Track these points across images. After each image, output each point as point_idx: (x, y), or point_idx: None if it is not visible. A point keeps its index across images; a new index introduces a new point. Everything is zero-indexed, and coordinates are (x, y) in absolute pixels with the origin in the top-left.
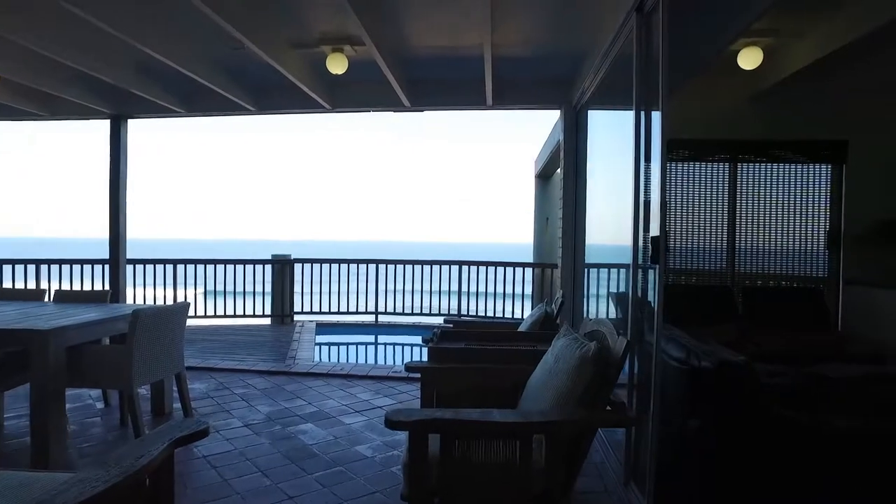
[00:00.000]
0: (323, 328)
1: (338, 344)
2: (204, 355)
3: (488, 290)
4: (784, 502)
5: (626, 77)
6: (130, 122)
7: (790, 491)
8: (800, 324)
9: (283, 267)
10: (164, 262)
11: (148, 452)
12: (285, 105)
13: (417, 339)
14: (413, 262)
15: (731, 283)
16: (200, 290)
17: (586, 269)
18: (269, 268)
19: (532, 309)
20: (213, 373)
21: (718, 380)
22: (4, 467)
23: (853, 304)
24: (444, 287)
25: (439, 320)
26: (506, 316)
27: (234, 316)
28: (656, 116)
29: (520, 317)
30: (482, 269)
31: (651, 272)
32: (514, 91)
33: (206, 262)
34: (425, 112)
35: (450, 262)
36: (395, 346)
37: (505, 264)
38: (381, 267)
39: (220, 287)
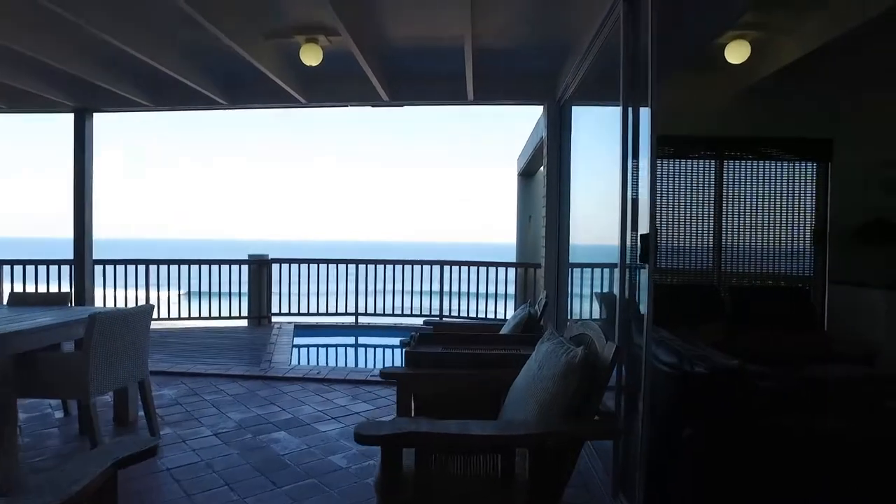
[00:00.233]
0: (301, 330)
1: (317, 346)
2: (176, 359)
3: (471, 291)
4: None
5: (612, 70)
6: (96, 116)
7: (785, 501)
8: (786, 324)
9: (260, 267)
10: (136, 262)
11: (85, 476)
12: (258, 99)
13: (398, 341)
14: (394, 262)
15: (718, 283)
16: (178, 291)
17: (571, 269)
18: (245, 268)
19: (515, 310)
20: (184, 378)
21: (712, 386)
22: None
23: (839, 303)
24: (426, 287)
25: (421, 321)
26: (489, 316)
27: (210, 318)
28: (644, 112)
29: (503, 317)
30: (465, 269)
31: (640, 272)
32: (496, 86)
33: (179, 262)
34: (405, 108)
35: (431, 262)
36: (376, 348)
37: (487, 264)
38: (362, 267)
39: (194, 288)
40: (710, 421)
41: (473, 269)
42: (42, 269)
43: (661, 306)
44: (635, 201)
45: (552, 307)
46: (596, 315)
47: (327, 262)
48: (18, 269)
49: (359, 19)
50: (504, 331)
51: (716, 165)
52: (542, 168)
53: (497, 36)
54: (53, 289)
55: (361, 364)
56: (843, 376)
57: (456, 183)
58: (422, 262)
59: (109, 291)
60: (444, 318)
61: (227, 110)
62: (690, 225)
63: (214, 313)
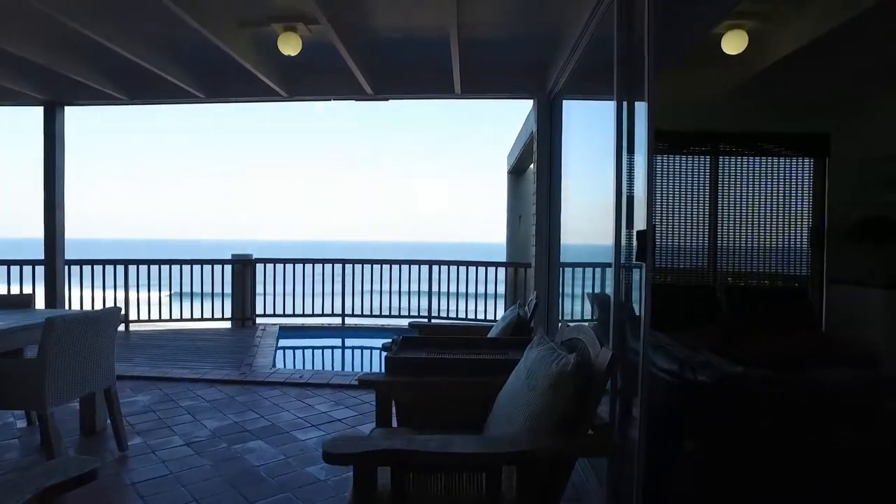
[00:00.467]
0: (286, 331)
1: (302, 348)
2: (154, 363)
3: (460, 291)
4: None
5: (605, 62)
6: (67, 109)
7: None
8: (784, 325)
9: (243, 267)
10: (115, 262)
11: None
12: (238, 92)
13: (381, 344)
14: (382, 262)
15: (713, 282)
16: (159, 292)
17: (562, 269)
18: (228, 268)
19: (505, 310)
20: (160, 383)
21: (715, 396)
22: None
23: (837, 303)
24: (415, 287)
25: (412, 320)
26: (478, 317)
27: (192, 319)
28: (640, 106)
29: (493, 318)
30: (454, 268)
31: (636, 271)
32: (484, 79)
33: (160, 262)
34: (391, 102)
35: (419, 262)
36: (363, 350)
37: (477, 264)
38: (349, 267)
39: (175, 289)
40: (713, 433)
41: (462, 268)
42: (14, 269)
43: (658, 308)
44: (630, 198)
45: (542, 308)
46: (589, 317)
47: (313, 261)
48: None
49: (338, 7)
50: (492, 333)
51: (711, 161)
52: (532, 165)
53: (483, 25)
54: (27, 290)
55: (348, 367)
56: (850, 380)
57: (445, 181)
58: (409, 262)
59: (87, 293)
60: (433, 319)
61: (206, 104)
62: (685, 222)
63: (197, 315)
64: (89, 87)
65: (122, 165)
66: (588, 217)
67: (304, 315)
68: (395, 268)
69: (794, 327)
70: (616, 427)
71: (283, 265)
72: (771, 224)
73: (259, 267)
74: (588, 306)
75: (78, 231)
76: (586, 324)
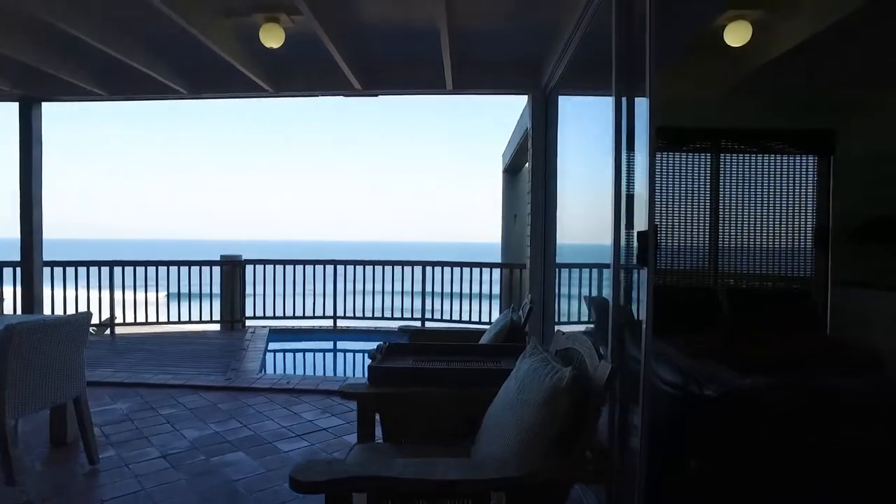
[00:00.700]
0: (276, 334)
1: (293, 351)
2: (136, 368)
3: (454, 291)
4: None
5: (602, 55)
6: (45, 105)
7: None
8: (788, 328)
9: (233, 268)
10: (99, 264)
11: None
12: (222, 88)
13: (367, 352)
14: (374, 263)
15: (714, 284)
16: (145, 294)
17: (558, 270)
18: (217, 269)
19: (500, 312)
20: (141, 389)
21: (724, 411)
22: None
23: (842, 306)
24: (408, 288)
25: (402, 324)
26: (473, 319)
27: (180, 322)
28: (641, 102)
29: (488, 319)
30: (448, 269)
31: (635, 274)
32: (476, 74)
33: (146, 263)
34: (383, 99)
35: (413, 263)
36: (355, 354)
37: (471, 265)
38: (341, 268)
39: (162, 291)
40: (721, 452)
41: (457, 269)
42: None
43: (656, 311)
44: (630, 197)
45: (537, 312)
46: (585, 321)
47: (304, 262)
48: None
49: None
50: (484, 339)
51: (711, 158)
52: (527, 164)
53: (474, 17)
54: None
55: (339, 371)
56: (861, 387)
57: (439, 180)
58: (403, 263)
59: (70, 296)
60: (427, 321)
61: (192, 100)
62: (685, 222)
63: (185, 318)
64: (67, 82)
65: (106, 163)
66: (585, 216)
67: (294, 317)
68: (388, 269)
69: (799, 331)
70: (616, 447)
71: (273, 266)
72: (774, 224)
73: (249, 268)
74: (585, 311)
75: (68, 232)
76: (583, 327)
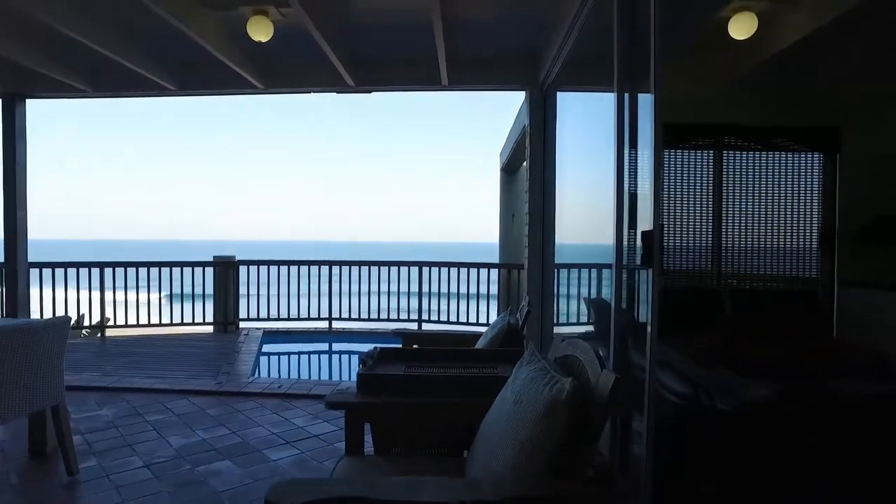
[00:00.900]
0: (270, 336)
1: (287, 353)
2: (124, 373)
3: (451, 292)
4: None
5: (602, 50)
6: (29, 102)
7: None
8: (795, 331)
9: (226, 269)
10: (89, 265)
11: None
12: (211, 84)
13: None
14: (370, 264)
15: (718, 285)
16: (143, 296)
17: (556, 271)
18: (210, 270)
19: (499, 313)
20: (128, 395)
21: (738, 425)
22: None
23: (849, 307)
24: (404, 289)
25: (399, 326)
26: (470, 320)
27: (172, 324)
28: (645, 98)
29: (486, 321)
30: (444, 270)
31: (639, 275)
32: (472, 69)
33: (137, 264)
34: (377, 96)
35: (409, 263)
36: (350, 356)
37: (468, 265)
38: (336, 269)
39: (154, 293)
40: (735, 471)
41: (454, 270)
42: None
43: (664, 316)
44: (633, 195)
45: (535, 314)
46: (585, 325)
47: (298, 263)
48: None
49: None
50: (481, 343)
51: (714, 156)
52: (525, 163)
53: (469, 8)
54: None
55: (334, 374)
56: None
57: (437, 179)
58: (399, 264)
59: (60, 297)
60: (424, 322)
61: (180, 97)
62: (686, 221)
63: (177, 319)
64: (51, 78)
65: (95, 162)
66: (584, 215)
67: (289, 319)
68: (384, 269)
69: (815, 334)
70: (618, 462)
71: (267, 267)
72: (778, 223)
73: (242, 269)
74: (585, 314)
75: (60, 233)
76: (583, 329)
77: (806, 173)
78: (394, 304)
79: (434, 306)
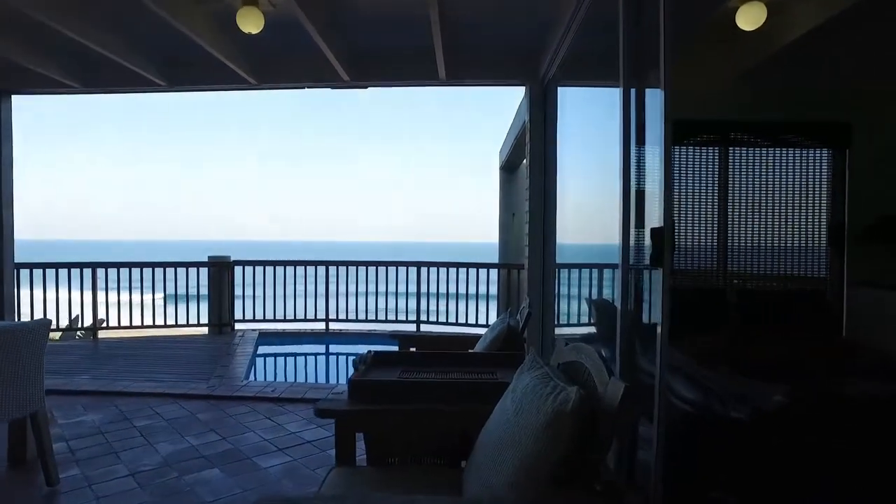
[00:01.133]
0: (266, 338)
1: (283, 355)
2: (115, 376)
3: (450, 292)
4: None
5: (606, 44)
6: (15, 98)
7: None
8: (803, 331)
9: (221, 270)
10: (81, 265)
11: None
12: (202, 80)
13: (373, 349)
14: (368, 264)
15: (724, 285)
16: (137, 297)
17: (557, 271)
18: (204, 271)
19: (498, 315)
20: (118, 399)
21: (757, 435)
22: None
23: (859, 307)
24: (402, 289)
25: (397, 327)
26: (469, 321)
27: (166, 326)
28: (653, 93)
29: (486, 322)
30: (443, 270)
31: (647, 275)
32: (470, 63)
33: (130, 265)
34: (372, 90)
35: (408, 264)
36: (348, 357)
37: (468, 265)
38: (333, 269)
39: (147, 293)
40: (755, 486)
41: (453, 270)
42: None
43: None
44: (640, 193)
45: (536, 316)
46: (589, 326)
47: (295, 263)
48: None
49: None
50: (479, 346)
51: (720, 152)
52: (525, 160)
53: (467, 1)
54: None
55: (332, 376)
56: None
57: (435, 178)
58: (397, 264)
59: (50, 298)
60: (422, 323)
61: (170, 93)
62: (691, 219)
63: (171, 321)
64: (38, 73)
65: (88, 160)
66: (587, 213)
67: (285, 320)
68: (382, 270)
69: (817, 335)
70: (625, 473)
71: (263, 267)
72: (786, 221)
73: (238, 269)
74: (589, 316)
75: (53, 233)
76: (586, 331)
77: (813, 170)
78: (392, 305)
79: (433, 307)
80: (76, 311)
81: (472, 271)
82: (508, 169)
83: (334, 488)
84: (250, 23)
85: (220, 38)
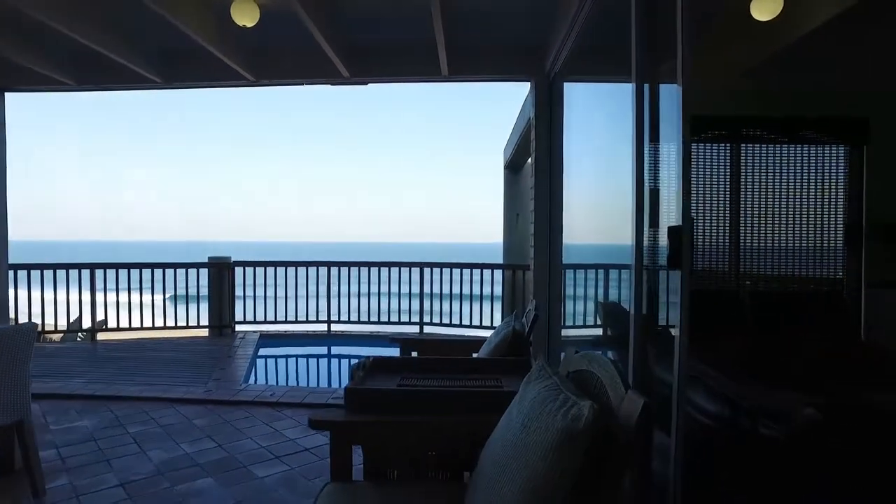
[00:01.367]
0: (267, 340)
1: (284, 357)
2: (111, 379)
3: (454, 293)
4: None
5: (615, 37)
6: (8, 95)
7: None
8: (821, 334)
9: (221, 271)
10: (79, 266)
11: None
12: (198, 76)
13: (374, 352)
14: (370, 265)
15: (737, 287)
16: (128, 297)
17: (564, 272)
18: (204, 272)
19: (502, 317)
20: (113, 403)
21: (791, 454)
22: None
23: (878, 309)
24: (405, 290)
25: (400, 329)
26: (474, 322)
27: (166, 328)
28: (669, 89)
29: (490, 324)
30: (447, 271)
31: (662, 277)
32: (474, 58)
33: (130, 266)
34: (375, 86)
35: (411, 264)
36: (350, 360)
37: (471, 265)
38: (335, 270)
39: (147, 294)
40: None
41: (457, 270)
42: None
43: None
44: (655, 191)
45: (542, 319)
46: (599, 332)
47: (296, 264)
48: None
49: None
50: (483, 351)
51: (731, 149)
52: (530, 159)
53: None
54: None
55: (334, 379)
56: None
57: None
58: (400, 265)
59: (47, 300)
60: (426, 325)
61: (164, 90)
62: (702, 218)
63: (171, 322)
64: (32, 71)
65: (83, 159)
66: (596, 212)
67: (287, 322)
68: (385, 270)
69: (832, 336)
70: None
71: (264, 268)
72: (801, 220)
73: (238, 270)
74: (597, 318)
75: (48, 233)
76: (595, 333)
77: (830, 168)
78: (394, 306)
79: (436, 308)
80: (75, 312)
81: (476, 272)
82: (513, 168)
83: None
84: (245, 15)
85: (216, 33)
